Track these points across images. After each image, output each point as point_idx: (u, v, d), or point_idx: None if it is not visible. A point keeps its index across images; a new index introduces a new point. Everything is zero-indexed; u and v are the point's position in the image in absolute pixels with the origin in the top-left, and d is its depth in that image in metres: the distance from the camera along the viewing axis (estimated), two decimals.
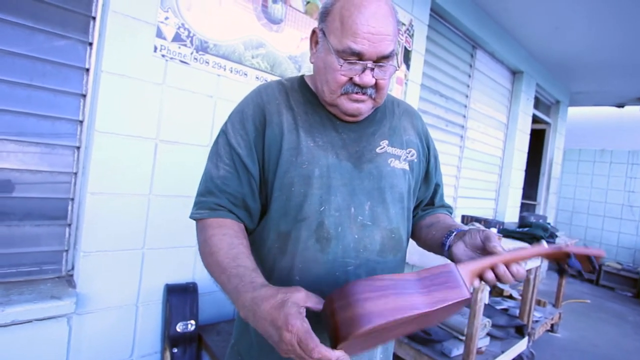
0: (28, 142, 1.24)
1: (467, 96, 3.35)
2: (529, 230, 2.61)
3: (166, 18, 1.38)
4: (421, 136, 0.89)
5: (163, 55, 1.40)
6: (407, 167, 0.82)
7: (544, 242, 2.54)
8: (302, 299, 0.55)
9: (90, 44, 1.31)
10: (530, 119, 4.21)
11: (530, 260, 2.42)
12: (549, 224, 2.91)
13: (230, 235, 0.70)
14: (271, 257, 0.75)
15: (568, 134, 5.68)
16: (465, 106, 3.35)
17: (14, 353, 1.18)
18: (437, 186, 0.94)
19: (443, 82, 3.05)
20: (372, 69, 0.69)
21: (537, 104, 4.57)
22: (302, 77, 0.84)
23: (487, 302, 2.99)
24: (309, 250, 0.71)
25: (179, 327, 1.39)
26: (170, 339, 1.37)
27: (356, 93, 0.71)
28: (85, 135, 1.33)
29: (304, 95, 0.80)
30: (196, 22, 1.46)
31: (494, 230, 2.81)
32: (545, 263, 5.41)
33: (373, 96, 0.73)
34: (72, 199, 1.34)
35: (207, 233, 0.71)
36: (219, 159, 0.75)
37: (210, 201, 0.73)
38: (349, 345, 0.51)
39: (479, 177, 3.69)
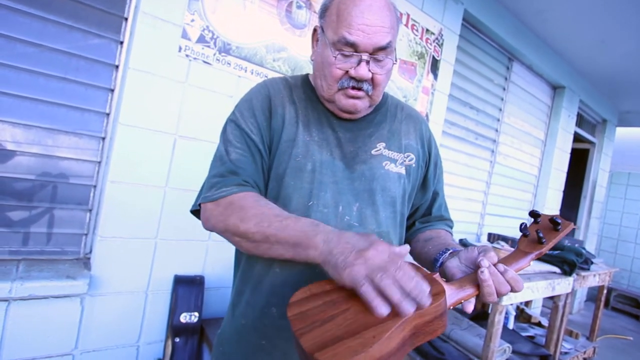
0: (59, 131, 1.34)
1: (500, 109, 3.22)
2: (560, 253, 2.44)
3: (192, 20, 1.45)
4: (423, 141, 0.87)
5: (187, 55, 1.47)
6: (403, 171, 0.80)
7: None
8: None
9: (121, 43, 1.41)
10: (571, 137, 3.96)
11: (559, 285, 2.26)
12: (583, 248, 2.70)
13: (273, 204, 0.67)
14: None
15: (616, 156, 5.28)
16: (499, 120, 3.22)
17: (30, 326, 1.26)
18: (436, 194, 0.90)
19: (474, 94, 2.95)
20: (368, 62, 0.68)
21: (581, 121, 4.30)
22: (306, 75, 0.86)
23: (511, 328, 2.81)
24: None
25: (183, 318, 1.42)
26: (174, 328, 1.41)
27: (352, 88, 0.71)
28: (110, 127, 1.42)
29: (305, 92, 0.81)
30: (220, 24, 1.52)
31: None
32: (584, 293, 5.02)
33: (370, 93, 0.72)
34: (95, 186, 1.43)
35: (242, 202, 0.65)
36: (229, 144, 0.73)
37: (234, 180, 0.69)
38: None
39: (511, 194, 3.51)
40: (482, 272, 0.57)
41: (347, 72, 0.69)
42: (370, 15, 0.67)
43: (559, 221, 0.65)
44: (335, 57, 0.68)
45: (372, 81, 0.71)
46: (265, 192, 0.75)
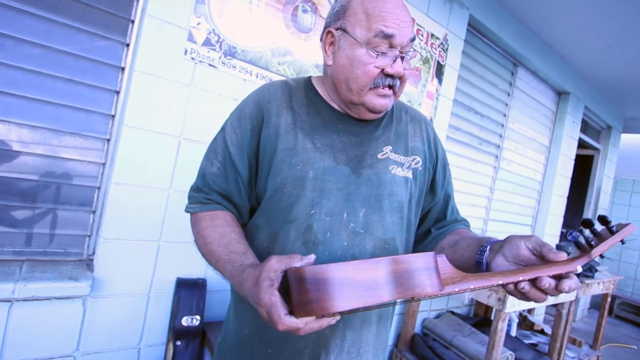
0: (64, 132, 1.35)
1: (505, 115, 3.21)
2: None
3: (198, 23, 1.46)
4: (430, 143, 0.86)
5: (192, 58, 1.47)
6: (410, 175, 0.79)
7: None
8: (273, 267, 0.56)
9: (128, 45, 1.41)
10: (575, 144, 3.94)
11: (564, 294, 2.24)
12: None
13: (221, 225, 0.72)
14: (257, 256, 0.74)
15: (620, 163, 5.25)
16: (503, 125, 3.21)
17: (32, 327, 1.26)
18: (448, 197, 0.89)
19: (479, 99, 2.94)
20: (402, 58, 0.70)
21: (585, 128, 4.28)
22: (309, 78, 0.84)
23: (514, 335, 2.79)
24: (295, 253, 0.70)
25: (185, 321, 1.42)
26: (175, 332, 1.41)
27: (383, 87, 0.71)
28: (115, 129, 1.42)
29: (308, 96, 0.79)
30: (226, 28, 1.53)
31: None
32: (587, 300, 4.98)
33: (396, 89, 0.73)
34: (99, 188, 1.43)
35: (200, 226, 0.74)
36: (214, 155, 0.77)
37: (200, 196, 0.76)
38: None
39: (515, 200, 3.49)
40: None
41: (382, 70, 0.70)
42: (399, 10, 0.69)
43: (609, 220, 0.58)
44: (376, 55, 0.68)
45: (400, 77, 0.73)
46: (251, 202, 0.78)
